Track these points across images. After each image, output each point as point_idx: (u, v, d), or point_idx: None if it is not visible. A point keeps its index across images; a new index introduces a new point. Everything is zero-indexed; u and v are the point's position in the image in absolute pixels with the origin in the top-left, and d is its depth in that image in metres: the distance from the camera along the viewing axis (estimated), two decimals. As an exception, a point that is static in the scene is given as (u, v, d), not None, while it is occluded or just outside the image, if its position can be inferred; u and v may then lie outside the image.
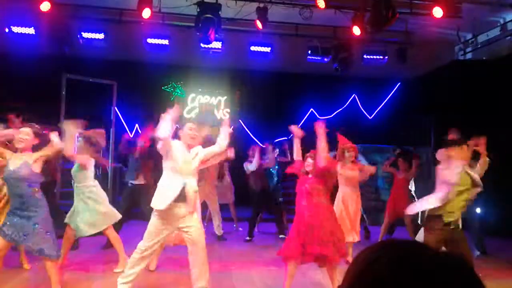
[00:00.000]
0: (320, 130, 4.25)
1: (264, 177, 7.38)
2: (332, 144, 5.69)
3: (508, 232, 7.69)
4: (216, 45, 8.54)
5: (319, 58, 9.13)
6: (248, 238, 7.28)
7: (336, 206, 5.61)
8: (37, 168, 3.94)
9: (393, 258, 0.65)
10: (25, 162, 3.88)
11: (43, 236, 3.88)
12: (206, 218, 7.65)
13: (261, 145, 8.03)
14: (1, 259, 4.04)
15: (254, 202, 7.47)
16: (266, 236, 7.60)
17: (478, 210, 6.57)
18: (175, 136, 4.27)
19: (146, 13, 7.25)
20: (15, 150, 4.09)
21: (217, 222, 7.29)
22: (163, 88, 10.67)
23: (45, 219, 3.95)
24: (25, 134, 4.01)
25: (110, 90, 8.22)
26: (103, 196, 5.06)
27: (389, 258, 0.65)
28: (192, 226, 4.01)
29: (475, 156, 4.45)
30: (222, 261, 5.67)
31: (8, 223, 3.87)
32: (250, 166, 7.24)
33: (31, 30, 8.08)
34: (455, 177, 3.90)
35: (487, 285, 0.67)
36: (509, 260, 6.31)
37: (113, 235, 5.09)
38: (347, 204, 5.76)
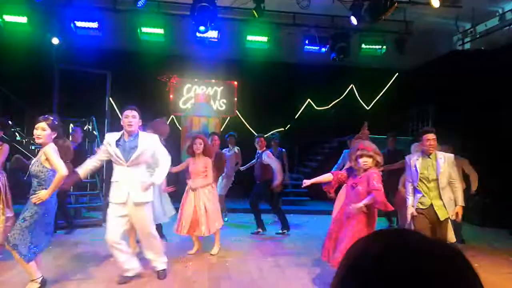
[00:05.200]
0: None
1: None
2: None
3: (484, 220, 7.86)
4: (212, 34, 8.41)
5: (316, 48, 9.03)
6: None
7: None
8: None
9: (380, 249, 0.63)
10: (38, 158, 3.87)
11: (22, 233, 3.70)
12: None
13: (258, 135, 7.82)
14: None
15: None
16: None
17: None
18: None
19: (141, 1, 7.13)
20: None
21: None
22: (158, 78, 10.55)
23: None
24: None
25: (104, 80, 8.10)
26: None
27: (377, 250, 0.63)
28: None
29: None
30: (218, 251, 5.63)
31: None
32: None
33: (23, 19, 7.94)
34: None
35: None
36: (486, 248, 6.31)
37: None
38: None
